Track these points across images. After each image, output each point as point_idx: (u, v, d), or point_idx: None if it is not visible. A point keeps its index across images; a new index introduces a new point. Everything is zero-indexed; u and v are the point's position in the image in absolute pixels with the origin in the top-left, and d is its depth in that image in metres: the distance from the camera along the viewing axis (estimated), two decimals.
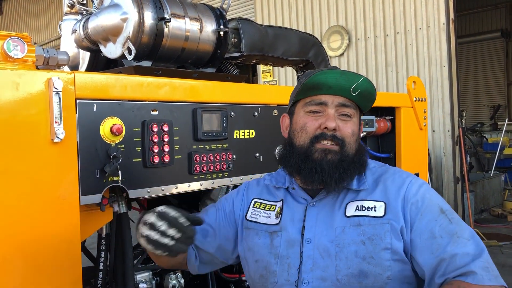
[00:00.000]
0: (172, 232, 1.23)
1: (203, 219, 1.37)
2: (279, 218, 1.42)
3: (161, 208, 1.27)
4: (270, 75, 7.85)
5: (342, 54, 6.89)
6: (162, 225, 1.24)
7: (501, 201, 8.09)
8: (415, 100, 2.73)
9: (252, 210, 1.50)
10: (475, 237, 1.28)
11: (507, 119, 10.77)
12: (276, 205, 1.46)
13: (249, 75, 10.11)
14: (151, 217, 1.25)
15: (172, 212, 1.26)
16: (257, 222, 1.46)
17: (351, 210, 1.34)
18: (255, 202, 1.51)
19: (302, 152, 1.37)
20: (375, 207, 1.32)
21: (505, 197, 8.08)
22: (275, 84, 7.77)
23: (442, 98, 6.01)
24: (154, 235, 1.23)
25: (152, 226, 1.24)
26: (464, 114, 6.93)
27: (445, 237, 1.26)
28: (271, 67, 7.70)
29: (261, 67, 7.91)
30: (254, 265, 1.43)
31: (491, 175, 8.40)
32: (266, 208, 1.47)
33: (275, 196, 1.49)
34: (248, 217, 1.50)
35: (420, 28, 6.17)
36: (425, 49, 6.11)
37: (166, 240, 1.23)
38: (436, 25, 6.01)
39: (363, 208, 1.33)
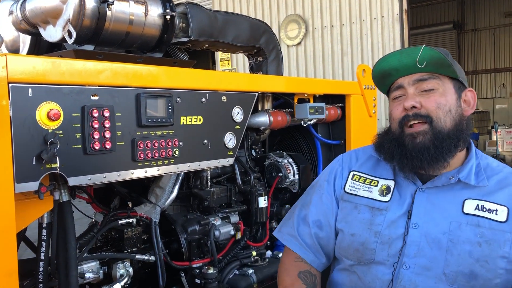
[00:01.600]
0: None
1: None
2: (389, 197, 1.39)
3: None
4: (229, 63, 7.80)
5: (300, 43, 6.93)
6: None
7: None
8: (364, 88, 2.78)
9: (351, 182, 1.48)
10: None
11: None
12: (379, 181, 1.43)
13: (208, 63, 10.00)
14: None
15: None
16: (356, 195, 1.44)
17: (470, 208, 1.28)
18: (354, 175, 1.49)
19: (394, 138, 1.37)
20: (496, 210, 1.26)
21: None
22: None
23: None
24: None
25: None
26: None
27: None
28: (229, 55, 7.66)
29: (219, 55, 7.85)
30: (349, 238, 1.41)
31: None
32: (366, 182, 1.44)
33: (381, 172, 1.45)
34: (346, 189, 1.48)
35: (374, 18, 6.28)
36: (380, 39, 6.24)
37: None
38: (390, 16, 6.14)
39: (484, 209, 1.27)
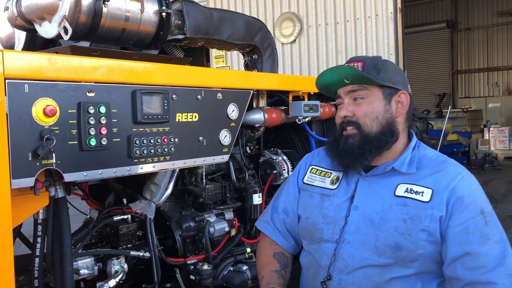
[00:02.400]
0: None
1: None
2: (337, 185, 1.63)
3: None
4: (223, 61, 7.80)
5: (294, 41, 6.94)
6: None
7: None
8: None
9: (309, 175, 1.73)
10: (505, 242, 1.40)
11: (450, 106, 11.26)
12: (331, 173, 1.67)
13: (203, 61, 9.99)
14: None
15: None
16: (312, 185, 1.70)
17: (401, 191, 1.49)
18: (312, 168, 1.75)
19: (335, 139, 1.62)
20: (423, 192, 1.46)
21: None
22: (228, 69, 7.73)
23: None
24: None
25: None
26: None
27: (477, 235, 1.39)
28: (223, 53, 7.65)
29: (213, 53, 7.85)
30: (305, 221, 1.68)
31: None
32: (321, 174, 1.69)
33: (334, 165, 1.66)
34: (305, 181, 1.74)
35: (369, 17, 6.30)
36: (374, 37, 6.26)
37: None
38: (384, 14, 6.16)
39: (412, 191, 1.47)
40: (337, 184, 1.63)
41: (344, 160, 1.55)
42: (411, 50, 12.48)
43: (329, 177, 1.67)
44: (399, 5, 6.14)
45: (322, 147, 1.80)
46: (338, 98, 1.62)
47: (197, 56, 2.35)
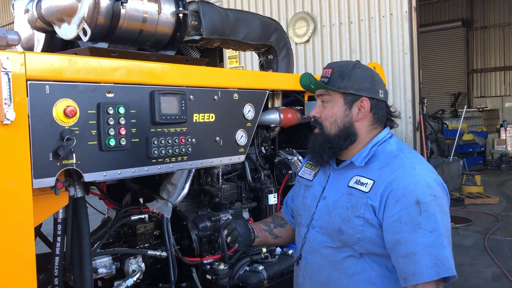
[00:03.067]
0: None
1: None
2: (313, 177, 1.83)
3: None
4: (236, 61, 7.81)
5: (308, 40, 6.92)
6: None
7: (459, 185, 8.40)
8: None
9: (304, 169, 1.92)
10: (439, 232, 1.46)
11: (466, 106, 11.13)
12: (318, 167, 1.84)
13: (216, 61, 10.01)
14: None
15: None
16: (303, 178, 1.89)
17: (352, 182, 1.64)
18: (307, 163, 1.92)
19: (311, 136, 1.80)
20: (366, 183, 1.60)
21: (463, 182, 8.39)
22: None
23: (404, 85, 6.14)
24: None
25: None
26: (425, 101, 7.11)
27: (408, 224, 1.48)
28: (237, 53, 7.66)
29: (227, 53, 7.87)
30: (294, 207, 1.93)
31: (450, 160, 8.69)
32: (311, 168, 1.87)
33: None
34: (299, 174, 1.94)
35: (383, 16, 6.26)
36: (388, 36, 6.22)
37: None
38: (399, 13, 6.12)
39: (359, 183, 1.62)
40: (315, 175, 1.84)
41: (311, 154, 1.77)
42: (425, 49, 12.36)
43: (314, 170, 1.86)
44: (414, 3, 6.09)
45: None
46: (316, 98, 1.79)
47: (210, 56, 2.36)
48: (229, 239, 1.85)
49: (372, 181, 1.59)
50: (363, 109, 1.68)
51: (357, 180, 1.63)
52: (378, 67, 2.82)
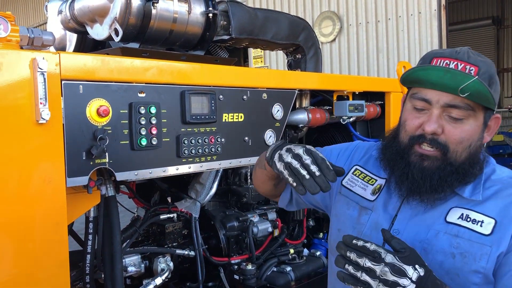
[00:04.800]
0: (313, 168, 1.11)
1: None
2: (376, 196, 1.31)
3: (309, 146, 1.19)
4: (261, 61, 7.80)
5: (334, 40, 6.86)
6: (307, 159, 1.12)
7: None
8: None
9: (351, 176, 1.40)
10: None
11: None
12: (376, 180, 1.34)
13: (240, 61, 10.03)
14: (298, 149, 1.16)
15: (320, 153, 1.16)
16: (351, 191, 1.37)
17: (453, 217, 1.18)
18: (356, 169, 1.41)
19: (399, 150, 1.24)
20: (482, 222, 1.14)
21: None
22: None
23: None
24: (296, 164, 1.13)
25: (297, 156, 1.14)
26: None
27: None
28: (262, 53, 7.65)
29: (252, 53, 7.86)
30: (336, 232, 1.37)
31: None
32: (365, 179, 1.36)
33: (380, 171, 1.35)
34: (344, 183, 1.40)
35: (411, 14, 6.15)
36: (416, 35, 6.11)
37: (304, 172, 1.11)
38: (428, 12, 6.00)
39: (468, 219, 1.16)
40: (377, 194, 1.31)
41: (415, 185, 1.19)
42: (453, 48, 12.11)
43: (372, 184, 1.35)
44: (443, 2, 5.96)
45: (371, 146, 1.47)
46: (422, 102, 1.20)
47: (235, 56, 2.35)
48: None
49: (493, 220, 1.13)
50: (489, 129, 1.24)
51: (463, 214, 1.17)
52: (408, 66, 2.77)
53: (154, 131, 1.57)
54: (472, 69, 1.15)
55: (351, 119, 2.50)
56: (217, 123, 1.80)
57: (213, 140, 1.78)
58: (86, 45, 2.11)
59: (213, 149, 1.78)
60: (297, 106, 2.42)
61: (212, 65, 1.86)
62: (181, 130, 1.68)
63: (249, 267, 2.11)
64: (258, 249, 2.25)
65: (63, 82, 1.37)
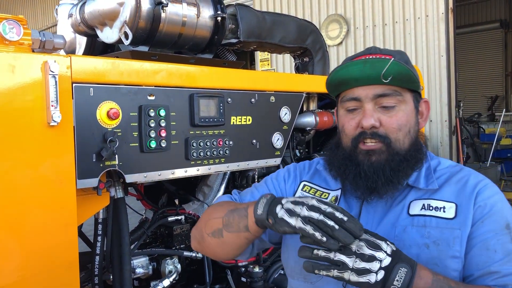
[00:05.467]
0: (339, 215, 1.02)
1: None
2: None
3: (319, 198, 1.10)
4: (268, 64, 7.82)
5: (341, 43, 6.87)
6: (327, 208, 1.03)
7: None
8: None
9: (301, 193, 1.34)
10: None
11: (504, 110, 10.78)
12: (329, 193, 1.30)
13: (247, 63, 10.05)
14: (309, 200, 1.06)
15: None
16: None
17: (416, 209, 1.18)
18: (304, 185, 1.36)
19: (346, 154, 1.23)
20: (444, 207, 1.16)
21: (501, 188, 8.13)
22: None
23: (440, 88, 6.00)
24: (319, 216, 1.02)
25: (314, 208, 1.03)
26: (461, 104, 6.92)
27: (500, 253, 1.11)
28: (268, 56, 7.67)
29: (259, 56, 7.88)
30: (296, 254, 1.21)
31: (488, 165, 8.43)
32: (316, 194, 1.31)
33: (329, 183, 1.32)
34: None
35: (418, 18, 6.14)
36: (424, 38, 6.10)
37: (332, 223, 1.01)
38: (435, 15, 5.99)
39: (430, 208, 1.17)
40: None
41: (370, 182, 1.18)
42: (461, 51, 12.06)
43: (326, 198, 1.30)
44: (450, 5, 5.95)
45: (312, 162, 1.43)
46: (352, 101, 1.22)
47: (241, 59, 2.37)
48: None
49: (453, 204, 1.16)
50: (420, 115, 1.27)
51: (424, 205, 1.18)
52: (417, 70, 2.77)
53: (163, 134, 1.58)
54: (387, 58, 1.17)
55: None
56: (225, 126, 1.81)
57: (221, 143, 1.79)
58: (96, 48, 2.13)
59: (221, 152, 1.79)
60: (305, 109, 2.43)
61: (221, 68, 1.87)
62: (190, 133, 1.69)
63: (256, 269, 2.11)
64: (265, 252, 2.25)
65: (74, 84, 1.39)
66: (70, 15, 1.91)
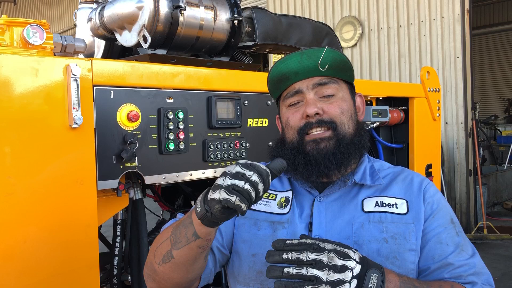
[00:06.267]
0: (256, 177, 0.99)
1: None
2: (288, 209, 1.25)
3: (244, 161, 1.05)
4: None
5: (355, 45, 6.85)
6: (252, 175, 0.99)
7: None
8: (428, 91, 2.71)
9: None
10: (477, 255, 1.23)
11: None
12: (277, 195, 1.29)
13: (260, 66, 10.07)
14: (235, 167, 1.01)
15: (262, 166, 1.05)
16: (254, 210, 1.26)
17: (370, 206, 1.22)
18: None
19: (293, 147, 1.24)
20: (396, 204, 1.22)
21: None
22: None
23: (456, 90, 5.95)
24: (243, 184, 0.97)
25: (239, 176, 0.98)
26: (477, 106, 6.85)
27: (451, 246, 1.19)
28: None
29: (272, 58, 7.90)
30: (250, 259, 1.23)
31: (505, 168, 8.32)
32: (264, 197, 1.22)
33: (276, 186, 1.31)
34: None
35: (434, 19, 6.10)
36: (439, 40, 6.05)
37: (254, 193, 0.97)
38: (451, 16, 5.94)
39: (384, 204, 1.22)
40: (288, 206, 1.25)
41: (321, 167, 1.19)
42: (477, 52, 11.93)
43: (274, 199, 1.28)
44: (466, 6, 5.90)
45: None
46: (295, 96, 1.25)
47: (255, 61, 2.38)
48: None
49: (404, 200, 1.23)
50: (357, 109, 1.32)
51: (377, 202, 1.22)
52: (433, 72, 2.76)
53: (181, 136, 1.60)
54: (321, 48, 1.23)
55: (375, 125, 2.50)
56: (242, 128, 1.83)
57: (238, 145, 1.80)
58: (114, 51, 2.16)
59: (238, 154, 1.80)
60: None
61: (237, 71, 1.89)
62: (207, 135, 1.71)
63: None
64: None
65: (95, 87, 1.41)
66: (89, 19, 1.94)
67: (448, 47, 5.97)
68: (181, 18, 1.80)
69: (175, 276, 1.15)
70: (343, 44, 6.85)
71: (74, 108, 1.34)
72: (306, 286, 0.96)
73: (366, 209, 1.22)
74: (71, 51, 1.58)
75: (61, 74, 1.34)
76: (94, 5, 2.16)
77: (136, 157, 1.48)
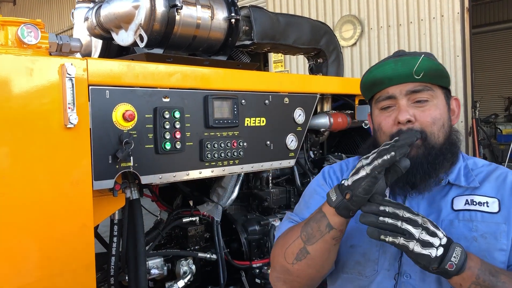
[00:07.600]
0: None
1: None
2: None
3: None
4: (282, 65, 7.81)
5: (355, 44, 6.83)
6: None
7: None
8: None
9: None
10: None
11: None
12: None
13: (260, 65, 10.05)
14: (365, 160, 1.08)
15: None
16: None
17: (459, 204, 1.22)
18: None
19: None
20: (487, 202, 1.20)
21: None
22: None
23: (456, 88, 5.93)
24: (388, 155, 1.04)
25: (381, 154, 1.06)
26: (478, 105, 6.83)
27: None
28: (282, 57, 7.66)
29: (272, 57, 7.88)
30: (349, 250, 1.28)
31: (505, 167, 8.31)
32: None
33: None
34: None
35: (434, 18, 6.08)
36: (439, 39, 6.03)
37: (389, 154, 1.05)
38: (451, 15, 5.93)
39: (474, 203, 1.21)
40: None
41: (411, 177, 1.22)
42: (477, 51, 11.92)
43: None
44: (466, 4, 5.88)
45: (349, 160, 1.47)
46: (387, 100, 1.27)
47: (255, 60, 2.37)
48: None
49: (496, 199, 1.20)
50: (452, 112, 1.32)
51: (467, 200, 1.21)
52: None
53: (178, 135, 1.59)
54: (417, 56, 1.25)
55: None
56: (239, 127, 1.82)
57: (235, 144, 1.79)
58: (111, 51, 2.15)
59: (235, 153, 1.80)
60: (319, 110, 2.42)
61: (235, 70, 1.88)
62: (204, 135, 1.70)
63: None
64: None
65: (90, 87, 1.41)
66: (86, 19, 1.93)
67: (448, 46, 5.96)
68: (177, 17, 1.79)
69: (312, 271, 1.20)
70: (343, 43, 6.84)
71: (69, 108, 1.34)
72: (399, 237, 1.02)
73: (456, 207, 1.22)
74: (66, 51, 1.57)
75: (56, 74, 1.33)
76: (91, 5, 2.15)
77: (132, 157, 1.47)
